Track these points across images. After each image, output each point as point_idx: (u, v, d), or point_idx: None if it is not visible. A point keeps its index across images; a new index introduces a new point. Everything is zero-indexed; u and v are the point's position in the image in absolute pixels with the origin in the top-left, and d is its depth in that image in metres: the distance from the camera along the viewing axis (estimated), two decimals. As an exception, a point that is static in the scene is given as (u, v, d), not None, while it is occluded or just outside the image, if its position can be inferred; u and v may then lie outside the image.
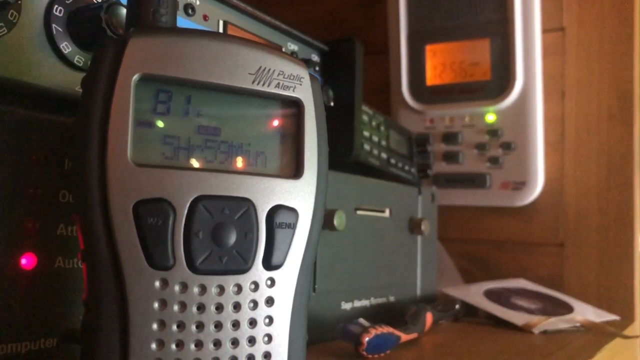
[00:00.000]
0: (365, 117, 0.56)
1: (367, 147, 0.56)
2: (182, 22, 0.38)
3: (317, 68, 0.50)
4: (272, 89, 0.27)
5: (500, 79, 0.69)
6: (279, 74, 0.27)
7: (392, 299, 0.57)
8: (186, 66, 0.25)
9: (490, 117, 0.70)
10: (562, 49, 0.72)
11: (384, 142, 0.60)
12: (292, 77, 0.27)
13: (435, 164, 0.74)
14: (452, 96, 0.72)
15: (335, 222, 0.45)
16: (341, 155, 0.51)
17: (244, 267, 0.25)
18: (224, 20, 0.41)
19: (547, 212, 0.72)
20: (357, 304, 0.51)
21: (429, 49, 0.73)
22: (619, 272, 0.68)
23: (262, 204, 0.26)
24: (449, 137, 0.73)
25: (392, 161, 0.62)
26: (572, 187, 0.71)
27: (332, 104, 0.48)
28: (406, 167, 0.66)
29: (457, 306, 0.60)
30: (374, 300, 0.54)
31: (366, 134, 0.56)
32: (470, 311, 0.62)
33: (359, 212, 0.51)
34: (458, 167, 0.73)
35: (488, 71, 0.70)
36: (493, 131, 0.70)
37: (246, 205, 0.26)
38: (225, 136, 0.26)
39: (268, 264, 0.26)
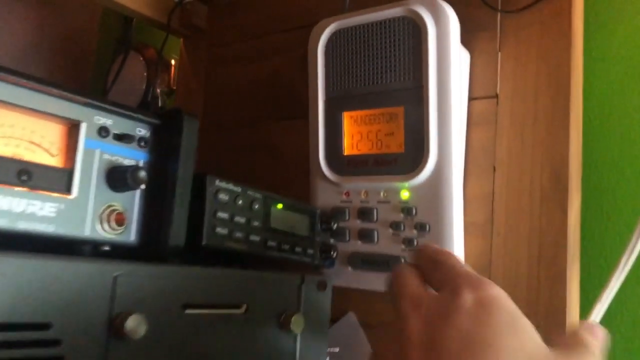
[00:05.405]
0: (224, 196, 0.50)
1: (221, 230, 0.49)
2: None
3: (143, 143, 0.44)
4: None
5: (414, 151, 0.61)
6: None
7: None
8: None
9: (405, 194, 0.62)
10: (495, 118, 0.64)
11: (256, 223, 0.53)
12: None
13: (352, 242, 0.66)
14: (366, 168, 0.65)
15: (127, 328, 0.38)
16: (187, 241, 0.45)
17: None
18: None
19: (471, 304, 0.62)
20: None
21: (346, 115, 0.66)
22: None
23: None
24: (365, 213, 0.65)
25: (271, 243, 0.55)
26: (501, 276, 0.62)
27: (143, 186, 0.42)
28: (297, 249, 0.59)
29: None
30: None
31: (223, 215, 0.49)
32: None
33: (189, 311, 0.44)
34: (373, 247, 0.65)
35: (402, 143, 0.62)
36: (407, 209, 0.62)
37: None
38: None
39: None
